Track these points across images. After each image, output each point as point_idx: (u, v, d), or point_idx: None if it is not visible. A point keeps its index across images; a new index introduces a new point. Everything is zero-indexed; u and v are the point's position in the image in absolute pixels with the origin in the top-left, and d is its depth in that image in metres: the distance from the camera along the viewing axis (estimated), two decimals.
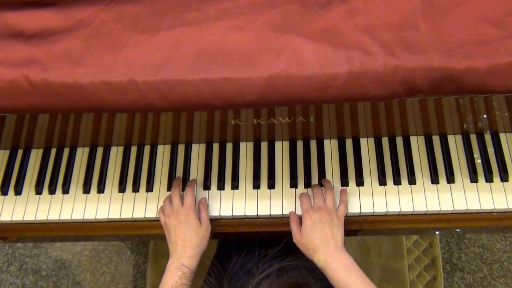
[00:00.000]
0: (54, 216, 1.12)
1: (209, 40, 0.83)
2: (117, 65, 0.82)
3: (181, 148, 1.18)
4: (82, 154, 1.19)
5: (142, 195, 1.13)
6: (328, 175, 1.10)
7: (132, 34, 0.85)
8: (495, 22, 0.79)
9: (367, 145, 1.13)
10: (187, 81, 0.81)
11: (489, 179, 1.07)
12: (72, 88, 0.82)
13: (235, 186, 1.12)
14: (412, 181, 1.08)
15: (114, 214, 1.12)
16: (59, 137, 1.16)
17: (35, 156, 1.20)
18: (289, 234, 1.04)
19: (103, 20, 0.86)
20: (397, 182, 1.08)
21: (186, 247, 0.99)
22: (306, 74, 0.79)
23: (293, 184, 1.10)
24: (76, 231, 1.14)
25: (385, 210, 1.06)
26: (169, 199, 1.07)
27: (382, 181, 1.08)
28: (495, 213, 1.06)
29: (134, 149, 1.19)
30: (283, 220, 1.09)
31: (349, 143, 1.14)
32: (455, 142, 1.11)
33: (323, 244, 0.96)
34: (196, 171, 1.15)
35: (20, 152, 1.21)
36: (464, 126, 1.09)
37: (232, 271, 0.97)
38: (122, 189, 1.14)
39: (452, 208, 1.05)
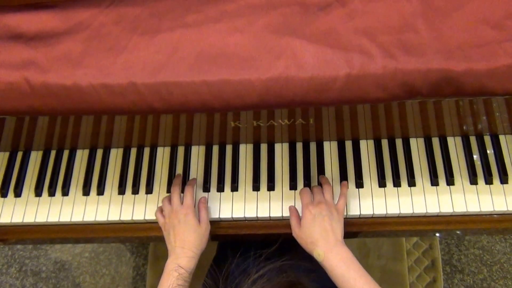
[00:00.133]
0: (53, 218, 1.12)
1: (209, 42, 0.83)
2: (117, 67, 0.82)
3: (180, 150, 1.18)
4: (81, 156, 1.19)
5: (142, 197, 1.13)
6: (328, 177, 1.10)
7: (131, 36, 0.85)
8: (494, 24, 0.79)
9: (366, 147, 1.13)
10: (186, 83, 0.81)
11: (488, 181, 1.07)
12: (71, 90, 0.82)
13: (234, 188, 1.12)
14: (411, 183, 1.08)
15: (114, 216, 1.12)
16: (59, 139, 1.16)
17: (35, 158, 1.20)
18: (289, 236, 1.03)
19: (102, 22, 0.86)
20: (396, 184, 1.08)
21: (185, 247, 0.99)
22: (306, 77, 0.79)
23: (293, 186, 1.10)
24: (75, 233, 1.14)
25: (385, 212, 1.06)
26: (168, 199, 1.07)
27: (382, 183, 1.08)
28: (494, 215, 1.06)
29: (133, 151, 1.19)
30: (283, 222, 1.09)
31: (348, 145, 1.14)
32: (454, 144, 1.11)
33: (322, 238, 0.96)
34: (196, 173, 1.15)
35: (19, 154, 1.21)
36: (464, 128, 1.09)
37: (227, 270, 0.97)
38: (121, 191, 1.14)
39: (451, 210, 1.05)
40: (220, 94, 0.81)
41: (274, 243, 1.08)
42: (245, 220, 1.11)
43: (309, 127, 1.08)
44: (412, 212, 1.06)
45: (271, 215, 1.08)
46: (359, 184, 1.09)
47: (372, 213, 1.06)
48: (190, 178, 1.14)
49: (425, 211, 1.05)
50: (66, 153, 1.20)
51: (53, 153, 1.20)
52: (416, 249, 1.52)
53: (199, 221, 1.04)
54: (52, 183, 1.16)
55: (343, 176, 1.10)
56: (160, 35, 0.85)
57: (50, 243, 2.04)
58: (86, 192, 1.15)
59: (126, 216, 1.11)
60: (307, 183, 1.10)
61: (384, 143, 1.13)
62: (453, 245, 1.97)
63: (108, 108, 0.83)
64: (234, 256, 1.09)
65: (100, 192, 1.14)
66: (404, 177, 1.09)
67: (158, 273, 1.36)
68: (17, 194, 1.16)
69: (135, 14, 0.86)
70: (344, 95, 0.81)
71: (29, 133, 1.12)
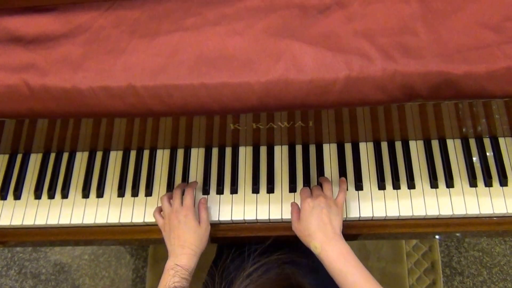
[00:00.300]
0: (53, 220, 1.12)
1: (208, 45, 0.83)
2: (116, 70, 0.82)
3: (180, 152, 1.18)
4: (81, 159, 1.19)
5: (141, 200, 1.13)
6: None
7: (131, 39, 0.85)
8: (493, 27, 0.79)
9: (366, 150, 1.13)
10: (186, 86, 0.81)
11: (488, 183, 1.07)
12: (71, 93, 0.82)
13: (234, 190, 1.12)
14: (411, 185, 1.08)
15: (113, 219, 1.12)
16: (58, 142, 1.16)
17: (34, 160, 1.20)
18: (290, 238, 1.03)
19: (101, 25, 0.86)
20: (396, 186, 1.08)
21: (185, 246, 0.99)
22: (305, 79, 0.79)
23: (292, 188, 1.10)
24: (75, 235, 1.14)
25: (384, 215, 1.06)
26: (167, 198, 1.07)
27: (381, 186, 1.08)
28: (494, 218, 1.06)
29: (133, 154, 1.19)
30: (282, 224, 1.09)
31: (348, 147, 1.14)
32: (454, 147, 1.11)
33: (319, 231, 0.95)
34: (195, 175, 1.15)
35: (19, 157, 1.21)
36: (463, 130, 1.09)
37: (223, 265, 0.97)
38: (121, 193, 1.14)
39: (451, 213, 1.05)
40: (220, 97, 0.81)
41: (269, 239, 1.08)
42: (245, 223, 1.11)
43: (309, 129, 1.08)
44: (411, 214, 1.06)
45: (271, 218, 1.08)
46: (359, 186, 1.09)
47: (371, 215, 1.06)
48: (190, 180, 1.14)
49: (424, 214, 1.05)
50: (65, 156, 1.20)
51: (52, 156, 1.20)
52: (415, 251, 1.52)
53: (199, 221, 1.04)
54: (52, 185, 1.16)
55: None
56: (159, 38, 0.85)
57: (50, 246, 2.04)
58: (85, 194, 1.15)
59: (126, 219, 1.11)
60: (307, 185, 1.10)
61: (384, 145, 1.13)
62: (453, 247, 1.97)
63: (108, 111, 0.83)
64: (229, 252, 1.09)
65: (100, 194, 1.14)
66: (403, 179, 1.09)
67: (158, 275, 1.36)
68: (17, 196, 1.16)
69: (135, 17, 0.86)
70: (343, 97, 0.81)
71: (28, 136, 1.12)
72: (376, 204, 1.07)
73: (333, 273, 0.92)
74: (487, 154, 1.09)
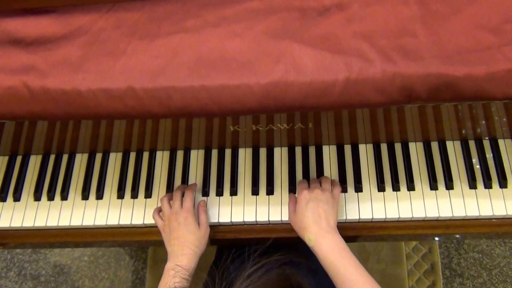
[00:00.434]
0: (52, 222, 1.12)
1: (208, 46, 0.83)
2: (116, 72, 0.82)
3: (180, 154, 1.18)
4: (81, 160, 1.19)
5: (141, 201, 1.13)
6: None
7: (130, 41, 0.85)
8: (492, 29, 0.79)
9: (365, 151, 1.13)
10: (185, 88, 0.81)
11: (488, 185, 1.07)
12: (70, 95, 0.82)
13: (233, 192, 1.11)
14: (411, 187, 1.08)
15: (113, 220, 1.11)
16: (58, 143, 1.16)
17: (34, 162, 1.20)
18: (290, 240, 1.03)
19: (101, 27, 0.86)
20: (396, 188, 1.08)
21: (184, 249, 0.99)
22: (305, 81, 0.79)
23: (292, 190, 1.10)
24: (74, 237, 1.14)
25: (384, 217, 1.06)
26: (167, 200, 1.07)
27: (381, 187, 1.08)
28: (494, 219, 1.06)
29: (133, 155, 1.19)
30: (282, 226, 1.09)
31: (347, 149, 1.14)
32: (453, 149, 1.11)
33: (314, 224, 0.96)
34: (195, 177, 1.15)
35: (19, 158, 1.21)
36: (463, 132, 1.09)
37: (224, 265, 0.97)
38: (120, 195, 1.14)
39: (451, 215, 1.05)
40: (219, 99, 0.81)
41: (269, 239, 1.08)
42: (244, 224, 1.11)
43: (308, 131, 1.08)
44: (411, 216, 1.05)
45: (270, 219, 1.08)
46: (358, 188, 1.09)
47: (371, 217, 1.06)
48: (189, 182, 1.14)
49: (424, 216, 1.05)
50: (65, 157, 1.20)
51: (52, 157, 1.20)
52: (415, 253, 1.52)
53: (198, 224, 1.04)
54: (51, 187, 1.16)
55: (342, 180, 1.10)
56: (159, 39, 0.85)
57: (49, 247, 2.03)
58: (85, 196, 1.15)
59: (125, 220, 1.11)
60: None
61: (383, 147, 1.13)
62: (453, 248, 1.97)
63: (107, 112, 0.83)
64: (229, 252, 1.09)
65: (99, 196, 1.14)
66: (403, 181, 1.09)
67: (157, 277, 1.36)
68: (16, 198, 1.16)
69: (134, 19, 0.87)
70: (343, 99, 0.81)
71: (28, 138, 1.12)
72: (376, 206, 1.07)
73: (326, 266, 0.93)
74: (487, 156, 1.09)
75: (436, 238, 1.13)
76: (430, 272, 1.48)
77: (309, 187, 1.04)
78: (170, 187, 1.14)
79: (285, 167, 1.13)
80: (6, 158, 1.21)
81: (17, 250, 2.10)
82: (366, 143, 1.14)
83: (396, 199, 1.07)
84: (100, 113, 0.84)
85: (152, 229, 1.11)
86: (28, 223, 1.13)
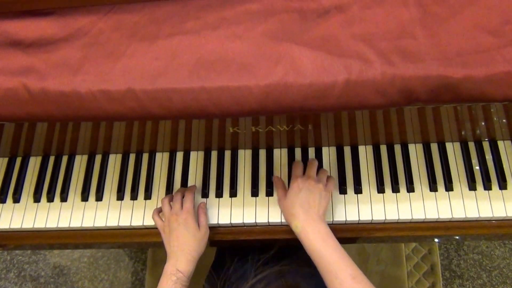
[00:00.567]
0: (52, 224, 1.12)
1: (208, 48, 0.83)
2: (115, 73, 0.82)
3: (179, 155, 1.18)
4: (80, 162, 1.19)
5: (141, 203, 1.13)
6: None
7: (130, 43, 0.85)
8: (492, 31, 0.79)
9: (365, 153, 1.13)
10: (185, 89, 0.81)
11: (487, 187, 1.07)
12: (70, 97, 0.82)
13: (233, 193, 1.11)
14: (410, 189, 1.08)
15: (113, 222, 1.11)
16: (58, 145, 1.16)
17: (34, 163, 1.20)
18: (291, 242, 1.03)
19: (101, 29, 0.86)
20: (395, 190, 1.08)
21: (184, 250, 0.99)
22: (304, 83, 0.79)
23: None
24: (74, 238, 1.14)
25: (384, 218, 1.06)
26: (168, 200, 1.07)
27: (381, 189, 1.08)
28: (493, 221, 1.06)
29: (132, 157, 1.19)
30: (282, 227, 1.09)
31: (347, 150, 1.14)
32: (453, 150, 1.11)
33: (303, 212, 0.97)
34: (195, 179, 1.15)
35: (18, 160, 1.21)
36: (463, 134, 1.09)
37: (225, 275, 0.97)
38: (120, 196, 1.14)
39: (450, 216, 1.05)
40: (219, 101, 0.81)
41: (272, 248, 1.08)
42: (244, 226, 1.10)
43: (308, 132, 1.08)
44: (411, 218, 1.06)
45: (270, 221, 1.08)
46: (358, 190, 1.09)
47: (371, 219, 1.06)
48: (189, 183, 1.14)
49: (424, 217, 1.05)
50: (65, 159, 1.20)
51: (52, 159, 1.20)
52: (415, 254, 1.52)
53: (198, 225, 1.04)
54: (51, 188, 1.16)
55: (342, 182, 1.10)
56: (159, 41, 0.85)
57: (49, 249, 2.04)
58: (84, 197, 1.15)
59: (125, 222, 1.11)
60: None
61: (383, 149, 1.13)
62: (452, 250, 1.97)
63: (107, 114, 0.83)
64: (232, 261, 1.09)
65: (99, 197, 1.14)
66: (403, 183, 1.09)
67: (157, 278, 1.36)
68: (16, 199, 1.16)
69: (134, 21, 0.86)
70: (342, 101, 0.81)
71: (28, 139, 1.12)
72: (375, 207, 1.07)
73: (310, 252, 0.94)
74: (486, 157, 1.09)
75: (436, 240, 1.13)
76: (429, 274, 1.48)
77: (304, 173, 1.05)
78: (169, 189, 1.14)
79: (284, 168, 1.13)
80: (6, 159, 1.21)
81: (17, 251, 2.10)
82: (365, 145, 1.14)
83: (395, 201, 1.07)
84: (99, 115, 0.84)
85: (151, 231, 1.11)
86: (28, 224, 1.13)
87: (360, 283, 0.88)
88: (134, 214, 1.12)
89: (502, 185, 1.06)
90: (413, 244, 1.54)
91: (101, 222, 1.12)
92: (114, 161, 1.19)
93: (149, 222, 1.10)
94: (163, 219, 1.06)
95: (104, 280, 2.03)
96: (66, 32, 0.86)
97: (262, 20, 0.85)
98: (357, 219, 1.07)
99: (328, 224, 1.06)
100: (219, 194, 1.12)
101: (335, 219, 1.07)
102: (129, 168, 1.17)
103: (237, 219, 1.09)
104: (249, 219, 1.09)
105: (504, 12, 0.81)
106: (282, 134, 1.08)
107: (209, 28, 0.85)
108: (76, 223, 1.12)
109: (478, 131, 1.08)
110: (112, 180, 1.16)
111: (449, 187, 1.07)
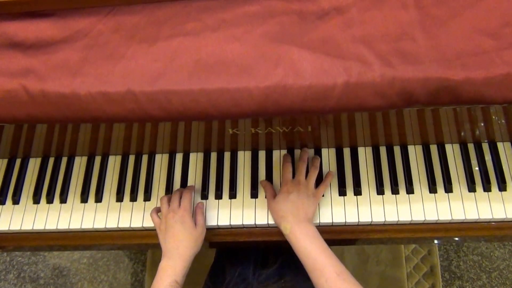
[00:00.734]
0: (51, 225, 1.12)
1: (207, 50, 0.83)
2: (115, 75, 0.82)
3: (179, 157, 1.18)
4: (80, 163, 1.19)
5: (140, 204, 1.13)
6: (325, 184, 1.10)
7: (130, 44, 0.85)
8: (491, 33, 0.79)
9: (364, 154, 1.13)
10: (185, 91, 0.81)
11: (487, 188, 1.07)
12: (69, 99, 0.81)
13: (233, 195, 1.11)
14: (410, 190, 1.08)
15: (112, 224, 1.11)
16: (57, 146, 1.16)
17: (33, 165, 1.20)
18: (287, 244, 1.03)
19: (101, 31, 0.86)
20: (395, 191, 1.08)
21: (179, 247, 1.00)
22: (304, 85, 0.79)
23: None
24: (74, 240, 1.14)
25: (383, 220, 1.06)
26: (166, 198, 1.08)
27: (380, 191, 1.08)
28: (493, 223, 1.06)
29: (132, 158, 1.19)
30: None
31: (347, 152, 1.14)
32: (453, 152, 1.11)
33: (292, 215, 1.00)
34: (194, 180, 1.15)
35: (18, 161, 1.21)
36: (462, 135, 1.09)
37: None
38: (120, 198, 1.14)
39: (450, 218, 1.05)
40: (218, 103, 0.81)
41: (273, 259, 1.09)
42: (243, 228, 1.11)
43: (307, 134, 1.08)
44: (410, 219, 1.06)
45: (270, 222, 1.08)
46: (357, 191, 1.09)
47: (370, 220, 1.06)
48: (188, 185, 1.14)
49: (423, 219, 1.05)
50: (64, 160, 1.20)
51: (51, 160, 1.20)
52: (414, 255, 1.52)
53: (195, 224, 1.05)
54: (50, 190, 1.16)
55: (341, 184, 1.10)
56: (158, 43, 0.85)
57: (48, 250, 2.03)
58: (84, 199, 1.14)
59: (124, 223, 1.11)
60: None
61: (382, 150, 1.13)
62: (452, 251, 1.97)
63: (106, 116, 0.83)
64: (232, 274, 1.09)
65: (98, 199, 1.14)
66: (402, 184, 1.09)
67: None
68: (15, 201, 1.16)
69: (134, 22, 0.86)
70: (342, 103, 0.81)
71: (27, 141, 1.12)
72: (375, 209, 1.07)
73: (298, 252, 0.96)
74: (486, 159, 1.09)
75: (436, 241, 1.13)
76: (429, 275, 1.48)
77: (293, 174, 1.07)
78: (169, 190, 1.14)
79: None
80: (5, 161, 1.21)
81: (16, 253, 2.10)
82: (365, 146, 1.14)
83: (395, 202, 1.07)
84: (99, 117, 0.84)
85: (151, 232, 1.11)
86: (27, 226, 1.13)
87: (345, 280, 0.90)
88: (133, 216, 1.12)
89: (502, 187, 1.06)
90: (413, 245, 1.54)
91: (101, 224, 1.11)
92: (114, 162, 1.19)
93: (148, 223, 1.10)
94: (161, 218, 1.06)
95: (104, 281, 2.03)
96: (66, 34, 0.86)
97: (262, 22, 0.84)
98: (357, 220, 1.07)
99: (327, 226, 1.07)
100: (218, 196, 1.12)
101: (334, 221, 1.07)
102: (128, 170, 1.17)
103: (236, 221, 1.09)
104: (248, 220, 1.09)
105: (503, 14, 0.81)
106: (281, 135, 1.08)
107: (208, 30, 0.85)
108: (75, 225, 1.12)
109: (477, 133, 1.08)
110: (112, 182, 1.16)
111: (448, 188, 1.07)
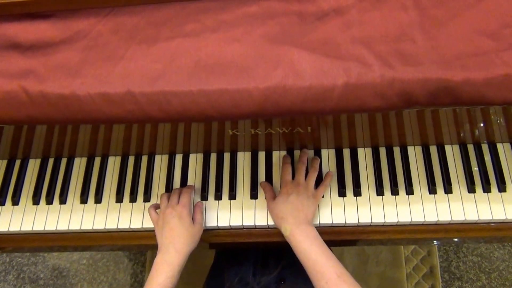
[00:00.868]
0: (51, 226, 1.12)
1: (207, 51, 0.83)
2: (114, 76, 0.82)
3: (178, 158, 1.18)
4: (79, 164, 1.19)
5: (140, 205, 1.13)
6: (325, 185, 1.10)
7: (129, 45, 0.85)
8: (491, 34, 0.79)
9: (364, 155, 1.13)
10: (184, 92, 0.81)
11: (486, 189, 1.07)
12: (69, 100, 0.81)
13: (232, 196, 1.11)
14: (409, 191, 1.08)
15: (112, 224, 1.11)
16: (57, 147, 1.16)
17: (33, 166, 1.20)
18: (288, 245, 1.03)
19: (100, 32, 0.86)
20: (394, 192, 1.08)
21: (176, 243, 0.99)
22: (303, 86, 0.79)
23: None
24: (73, 241, 1.14)
25: (383, 221, 1.06)
26: (166, 195, 1.08)
27: (380, 192, 1.08)
28: (493, 224, 1.06)
29: (131, 159, 1.19)
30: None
31: (346, 153, 1.14)
32: (452, 153, 1.11)
33: (292, 216, 1.00)
34: (194, 181, 1.15)
35: (17, 162, 1.21)
36: (462, 136, 1.09)
37: None
38: (119, 199, 1.14)
39: (450, 219, 1.05)
40: (218, 104, 0.81)
41: (274, 264, 1.09)
42: (243, 228, 1.10)
43: (307, 135, 1.08)
44: (410, 220, 1.05)
45: (269, 224, 1.08)
46: (357, 192, 1.09)
47: (370, 221, 1.06)
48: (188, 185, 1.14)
49: (423, 220, 1.05)
50: (64, 161, 1.20)
51: (51, 161, 1.20)
52: (414, 256, 1.52)
53: (193, 221, 1.05)
54: (50, 191, 1.16)
55: (341, 184, 1.10)
56: (158, 44, 0.85)
57: (48, 251, 2.04)
58: (83, 200, 1.14)
59: (124, 224, 1.11)
60: None
61: (382, 151, 1.13)
62: (452, 252, 1.97)
63: (106, 117, 0.83)
64: (232, 278, 1.09)
65: (98, 200, 1.14)
66: (402, 185, 1.09)
67: None
68: (15, 202, 1.16)
69: (133, 24, 0.86)
70: (342, 104, 0.81)
71: (27, 142, 1.12)
72: (375, 210, 1.07)
73: (298, 254, 0.97)
74: (486, 159, 1.09)
75: (435, 242, 1.13)
76: (429, 276, 1.48)
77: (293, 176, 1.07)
78: (168, 191, 1.14)
79: None
80: (5, 162, 1.21)
81: (16, 253, 2.10)
82: (364, 147, 1.14)
83: (395, 203, 1.07)
84: (98, 118, 0.84)
85: (150, 233, 1.10)
86: (27, 227, 1.13)
87: (346, 281, 0.90)
88: (133, 217, 1.12)
89: (501, 188, 1.06)
90: (413, 246, 1.54)
91: (100, 225, 1.11)
92: (113, 163, 1.18)
93: (148, 224, 1.10)
94: (159, 214, 1.06)
95: (103, 282, 2.03)
96: (65, 35, 0.86)
97: (261, 23, 0.84)
98: (356, 221, 1.07)
99: (327, 227, 1.07)
100: (218, 197, 1.12)
101: (334, 222, 1.07)
102: (128, 171, 1.17)
103: (236, 222, 1.09)
104: (248, 221, 1.09)
105: (503, 15, 0.81)
106: (281, 136, 1.08)
107: (208, 31, 0.85)
108: (75, 226, 1.12)
109: (477, 134, 1.08)
110: (111, 183, 1.16)
111: (448, 189, 1.07)
